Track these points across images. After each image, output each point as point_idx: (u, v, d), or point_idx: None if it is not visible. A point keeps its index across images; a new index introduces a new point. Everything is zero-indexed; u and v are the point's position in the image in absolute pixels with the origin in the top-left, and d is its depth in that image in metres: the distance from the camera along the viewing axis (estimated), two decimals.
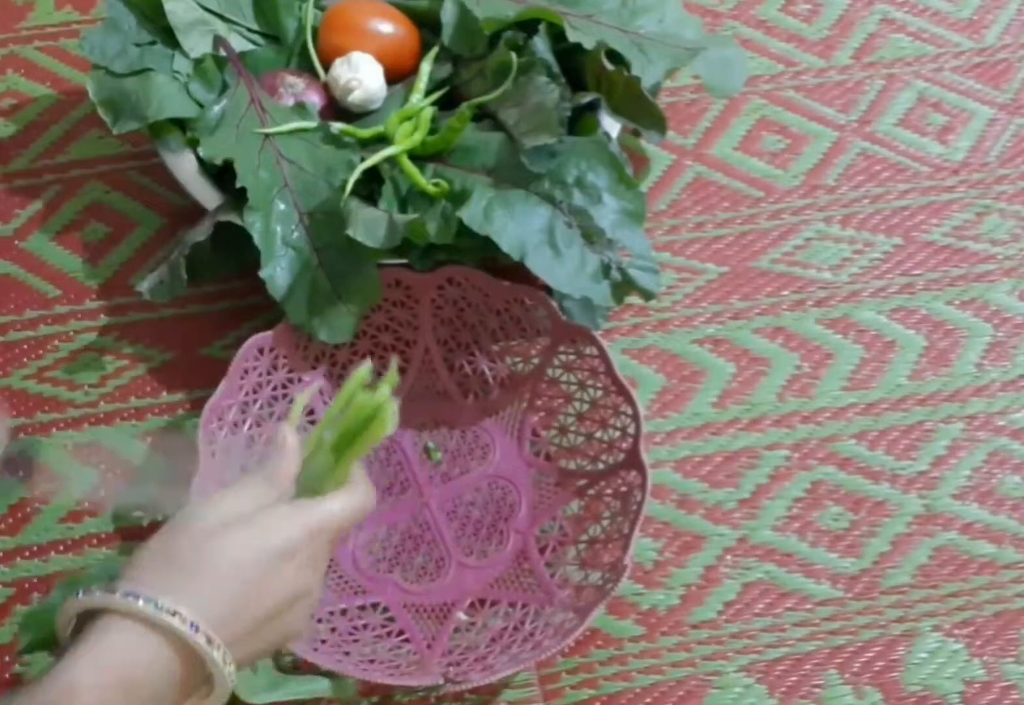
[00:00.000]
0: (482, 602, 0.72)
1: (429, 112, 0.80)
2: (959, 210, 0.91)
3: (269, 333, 0.75)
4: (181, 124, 0.82)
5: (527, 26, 0.80)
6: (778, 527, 0.76)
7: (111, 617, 0.47)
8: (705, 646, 0.72)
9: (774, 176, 0.92)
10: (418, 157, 0.78)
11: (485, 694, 0.69)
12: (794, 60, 1.00)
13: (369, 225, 0.74)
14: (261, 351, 0.74)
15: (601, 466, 0.75)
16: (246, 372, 0.74)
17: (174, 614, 0.47)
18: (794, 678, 0.71)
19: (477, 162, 0.77)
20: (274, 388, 0.76)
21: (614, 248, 0.74)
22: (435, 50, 0.84)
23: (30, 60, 0.98)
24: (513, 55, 0.78)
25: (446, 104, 0.82)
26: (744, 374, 0.83)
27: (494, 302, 0.78)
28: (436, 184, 0.76)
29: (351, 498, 0.54)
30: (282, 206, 0.77)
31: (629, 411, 0.73)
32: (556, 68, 0.78)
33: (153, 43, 0.83)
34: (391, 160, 0.78)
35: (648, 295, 0.75)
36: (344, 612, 0.71)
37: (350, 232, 0.73)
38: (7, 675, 0.70)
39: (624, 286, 0.74)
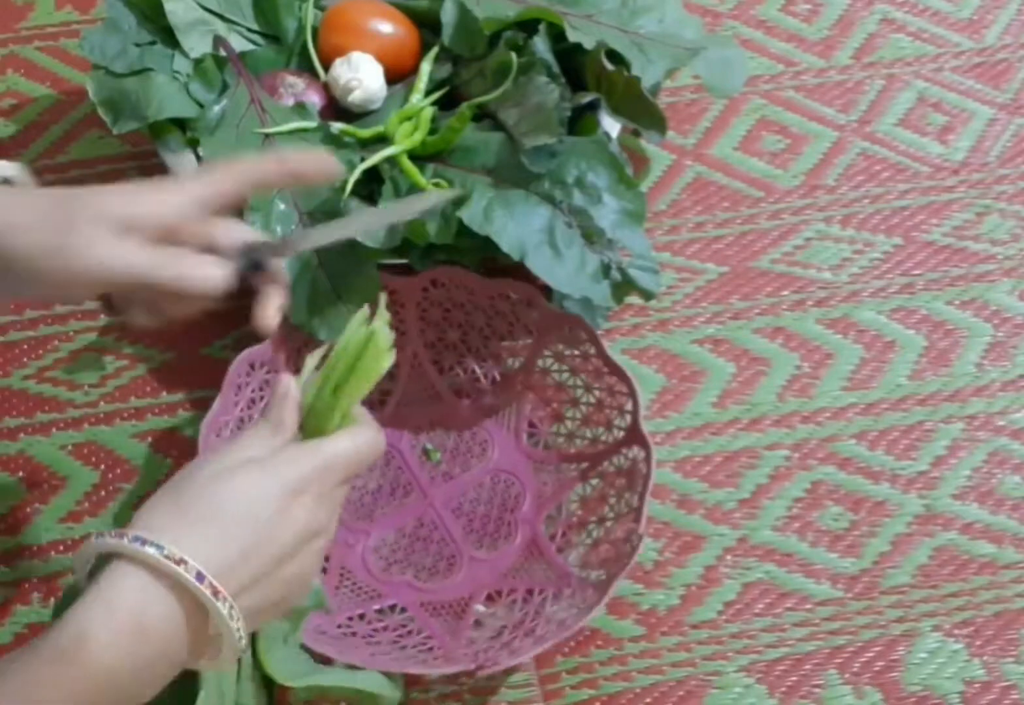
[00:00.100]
0: (499, 593, 0.72)
1: (429, 112, 0.80)
2: (959, 210, 0.91)
3: (258, 347, 0.74)
4: (181, 124, 0.82)
5: (527, 26, 0.80)
6: (778, 527, 0.76)
7: (123, 562, 0.47)
8: (705, 646, 0.72)
9: (774, 176, 0.92)
10: (418, 157, 0.78)
11: (485, 694, 0.69)
12: (794, 60, 1.00)
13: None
14: (252, 366, 0.74)
15: (601, 447, 0.75)
16: (239, 388, 0.74)
17: (179, 562, 0.46)
18: (794, 678, 0.71)
19: (477, 162, 0.77)
20: (267, 404, 0.75)
21: (614, 248, 0.74)
22: (435, 50, 0.84)
23: (30, 60, 0.98)
24: (513, 55, 0.78)
25: (446, 104, 0.82)
26: (744, 374, 0.83)
27: (479, 299, 0.78)
28: (436, 184, 0.76)
29: (356, 437, 0.54)
30: (282, 206, 0.77)
31: (624, 389, 0.73)
32: (556, 68, 0.78)
33: (153, 43, 0.83)
34: (391, 160, 0.78)
35: (648, 295, 0.75)
36: (362, 616, 0.71)
37: None
38: None
39: (624, 286, 0.74)
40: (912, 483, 0.78)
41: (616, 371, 0.74)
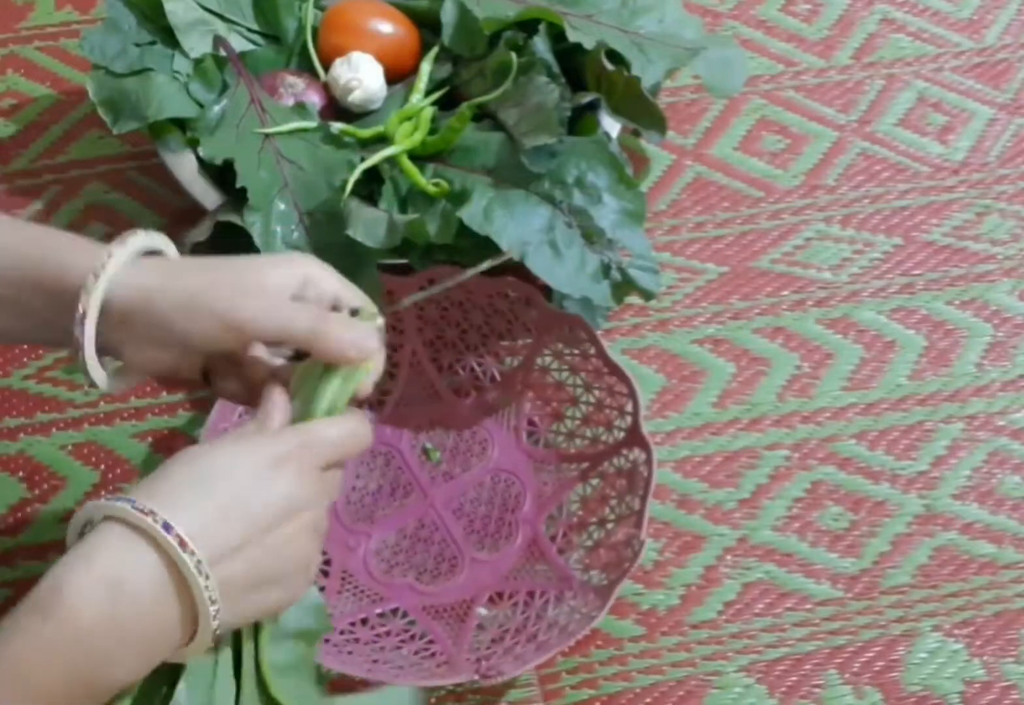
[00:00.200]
0: (500, 595, 0.72)
1: (429, 112, 0.80)
2: (959, 210, 0.91)
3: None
4: (181, 124, 0.82)
5: (527, 26, 0.80)
6: (778, 527, 0.76)
7: (104, 522, 0.48)
8: (705, 646, 0.72)
9: (774, 176, 0.92)
10: (418, 157, 0.78)
11: (485, 694, 0.69)
12: (794, 60, 1.00)
13: (369, 225, 0.74)
14: None
15: (602, 447, 0.75)
16: None
17: (148, 513, 0.46)
18: (794, 678, 0.71)
19: (477, 162, 0.77)
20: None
21: (614, 248, 0.74)
22: (435, 50, 0.84)
23: (30, 60, 0.98)
24: (513, 55, 0.78)
25: (446, 104, 0.82)
26: (744, 374, 0.83)
27: (477, 298, 0.78)
28: (436, 184, 0.76)
29: (339, 422, 0.54)
30: (282, 206, 0.77)
31: (624, 390, 0.73)
32: (556, 68, 0.78)
33: (153, 43, 0.83)
34: (391, 160, 0.78)
35: (648, 295, 0.75)
36: (365, 621, 0.71)
37: (350, 232, 0.73)
38: None
39: (624, 286, 0.74)
40: (912, 483, 0.78)
41: (616, 371, 0.74)
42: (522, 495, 0.76)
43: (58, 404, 0.81)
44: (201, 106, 0.82)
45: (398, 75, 0.86)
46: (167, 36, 0.83)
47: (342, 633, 0.69)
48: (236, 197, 0.77)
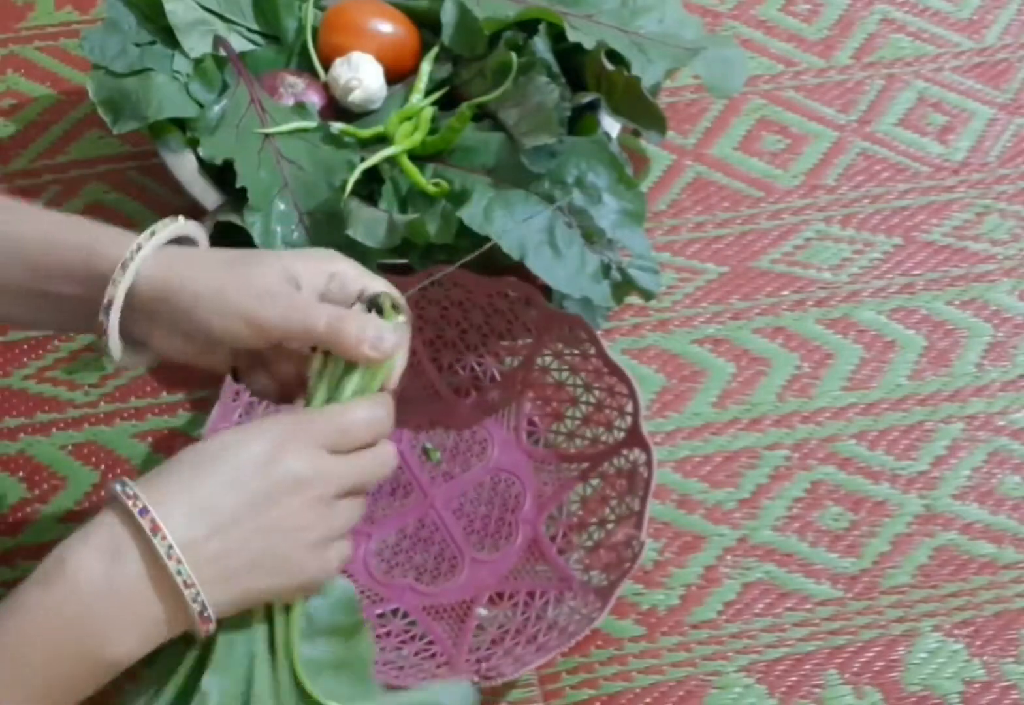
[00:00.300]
0: (500, 596, 0.72)
1: (429, 112, 0.80)
2: (959, 210, 0.91)
3: None
4: (181, 124, 0.82)
5: (527, 26, 0.80)
6: (778, 527, 0.76)
7: (108, 505, 0.50)
8: (705, 646, 0.72)
9: (774, 176, 0.92)
10: (418, 157, 0.78)
11: (485, 694, 0.69)
12: (794, 60, 1.00)
13: (369, 225, 0.74)
14: None
15: (602, 447, 0.75)
16: (237, 393, 0.74)
17: (131, 497, 0.48)
18: (794, 678, 0.71)
19: (477, 162, 0.77)
20: (267, 407, 0.76)
21: (614, 248, 0.74)
22: (435, 50, 0.84)
23: (30, 60, 0.98)
24: (513, 55, 0.78)
25: (446, 104, 0.82)
26: (744, 374, 0.83)
27: (477, 297, 0.78)
28: (436, 184, 0.76)
29: (352, 405, 0.54)
30: (282, 206, 0.77)
31: (624, 390, 0.73)
32: (556, 68, 0.78)
33: (153, 43, 0.83)
34: (391, 160, 0.78)
35: (648, 295, 0.75)
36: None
37: (350, 232, 0.73)
38: None
39: (624, 286, 0.74)
40: (912, 483, 0.78)
41: (616, 371, 0.74)
42: (522, 495, 0.76)
43: (58, 404, 0.81)
44: (201, 106, 0.82)
45: (398, 75, 0.86)
46: (167, 36, 0.83)
47: None
48: (236, 197, 0.77)
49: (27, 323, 0.68)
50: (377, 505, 0.76)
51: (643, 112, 0.78)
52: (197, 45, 0.84)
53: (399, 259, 0.77)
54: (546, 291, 0.76)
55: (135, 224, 0.88)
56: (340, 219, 0.75)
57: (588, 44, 0.78)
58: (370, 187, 0.79)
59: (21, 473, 0.78)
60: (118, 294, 0.54)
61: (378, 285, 0.58)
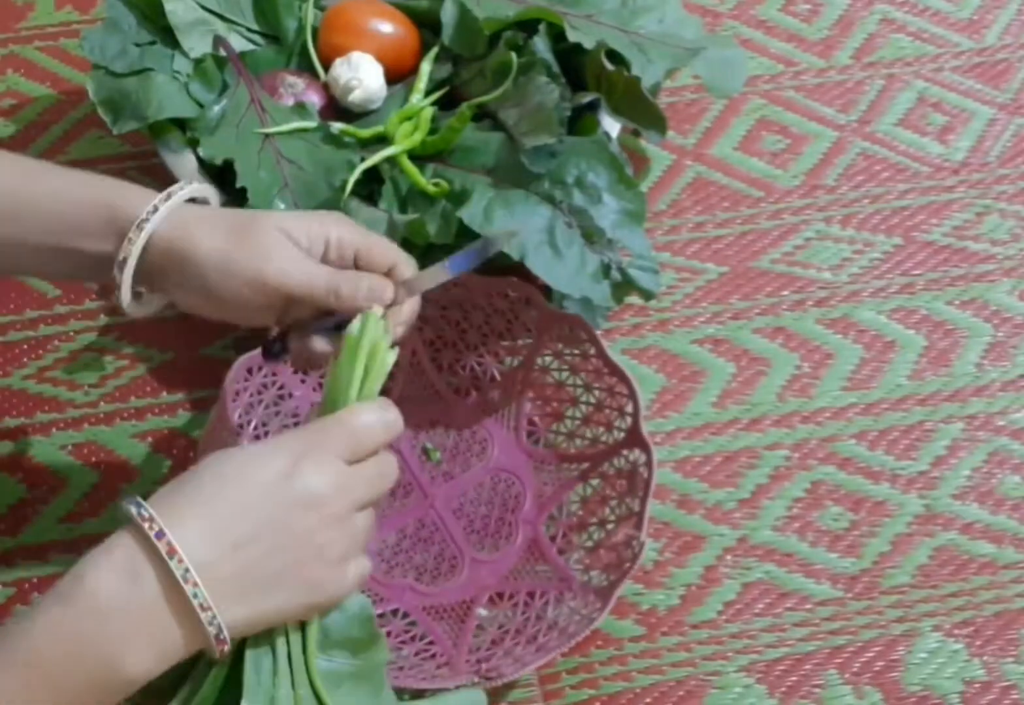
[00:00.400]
0: (500, 596, 0.73)
1: (429, 112, 0.80)
2: (959, 210, 0.91)
3: (256, 352, 0.74)
4: (181, 124, 0.82)
5: (527, 26, 0.80)
6: (778, 527, 0.76)
7: (124, 526, 0.50)
8: (705, 646, 0.72)
9: (774, 176, 0.92)
10: (418, 157, 0.78)
11: (485, 693, 0.69)
12: (794, 60, 1.00)
13: (369, 225, 0.74)
14: (250, 371, 0.74)
15: (602, 447, 0.75)
16: (237, 394, 0.74)
17: (148, 520, 0.48)
18: (794, 678, 0.71)
19: (477, 162, 0.77)
20: (266, 407, 0.76)
21: (614, 248, 0.74)
22: (435, 50, 0.84)
23: (30, 60, 0.98)
24: (513, 55, 0.78)
25: (446, 104, 0.82)
26: (744, 374, 0.83)
27: (476, 297, 0.78)
28: (436, 184, 0.76)
29: (357, 409, 0.55)
30: (282, 206, 0.77)
31: (625, 391, 0.73)
32: (556, 68, 0.78)
33: (153, 43, 0.83)
34: (391, 160, 0.78)
35: (648, 295, 0.75)
36: None
37: None
38: None
39: (624, 286, 0.74)
40: (912, 483, 0.78)
41: (616, 372, 0.74)
42: (522, 495, 0.76)
43: (58, 404, 0.81)
44: (201, 106, 0.82)
45: (398, 75, 0.86)
46: (167, 36, 0.83)
47: None
48: (236, 197, 0.77)
49: (35, 273, 0.72)
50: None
51: (643, 112, 0.78)
52: (197, 45, 0.84)
53: None
54: (546, 291, 0.76)
55: None
56: None
57: (588, 44, 0.78)
58: (370, 187, 0.79)
59: (21, 473, 0.78)
60: (133, 252, 0.58)
61: (377, 247, 0.61)
